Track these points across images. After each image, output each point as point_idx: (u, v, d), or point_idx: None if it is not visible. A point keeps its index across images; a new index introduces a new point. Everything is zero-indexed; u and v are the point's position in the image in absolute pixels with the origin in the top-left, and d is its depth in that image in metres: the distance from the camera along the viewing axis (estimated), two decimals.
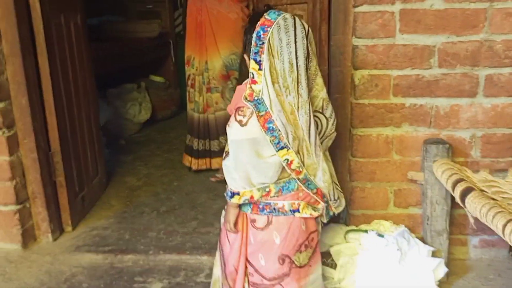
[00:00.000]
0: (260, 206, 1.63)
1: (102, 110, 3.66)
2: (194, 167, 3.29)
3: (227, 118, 3.14)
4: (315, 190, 1.64)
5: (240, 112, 1.54)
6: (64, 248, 2.37)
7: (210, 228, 2.53)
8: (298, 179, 1.60)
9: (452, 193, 1.82)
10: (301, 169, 1.58)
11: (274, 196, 1.61)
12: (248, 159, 1.54)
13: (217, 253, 1.82)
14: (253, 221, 1.66)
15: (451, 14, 1.97)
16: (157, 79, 4.81)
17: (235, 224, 1.67)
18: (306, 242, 1.68)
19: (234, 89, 3.04)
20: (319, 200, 1.65)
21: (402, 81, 2.05)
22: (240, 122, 1.53)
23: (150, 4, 5.15)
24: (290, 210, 1.62)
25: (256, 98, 1.52)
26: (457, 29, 1.98)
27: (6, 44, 2.15)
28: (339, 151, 2.16)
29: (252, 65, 1.52)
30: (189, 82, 3.22)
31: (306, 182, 1.61)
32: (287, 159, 1.55)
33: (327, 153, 1.78)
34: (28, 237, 2.36)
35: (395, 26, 2.00)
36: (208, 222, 2.59)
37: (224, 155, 1.64)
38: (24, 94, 2.20)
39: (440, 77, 2.03)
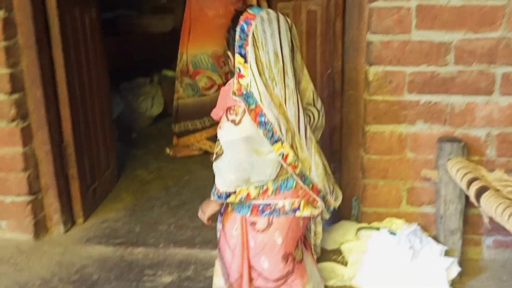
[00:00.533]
0: (260, 208, 1.59)
1: (115, 104, 3.66)
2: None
3: (186, 107, 3.32)
4: (310, 186, 1.59)
5: (231, 112, 1.50)
6: (75, 239, 2.39)
7: None
8: (295, 174, 1.55)
9: (467, 192, 1.80)
10: (297, 163, 1.54)
11: (271, 194, 1.58)
12: (245, 158, 1.51)
13: (217, 262, 1.77)
14: (253, 223, 1.61)
15: (468, 11, 1.94)
16: (170, 73, 4.80)
17: (209, 217, 1.68)
18: (300, 238, 1.70)
19: (191, 85, 3.38)
20: (314, 196, 1.61)
21: (417, 77, 2.02)
22: (233, 121, 1.49)
23: None
24: (291, 210, 1.59)
25: (244, 92, 1.48)
26: (474, 26, 1.95)
27: (21, 36, 2.16)
28: (351, 148, 2.15)
29: (238, 59, 1.49)
30: None
31: (302, 177, 1.57)
32: (282, 153, 1.51)
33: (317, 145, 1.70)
34: (40, 228, 2.38)
35: (411, 22, 1.97)
36: None
37: (214, 156, 1.59)
38: (38, 86, 2.21)
39: (456, 75, 2.00)
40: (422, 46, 1.99)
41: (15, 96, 2.18)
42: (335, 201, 1.69)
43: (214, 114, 1.64)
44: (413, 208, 2.17)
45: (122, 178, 3.14)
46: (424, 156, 2.10)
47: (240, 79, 1.49)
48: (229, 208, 1.66)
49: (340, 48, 2.12)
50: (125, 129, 3.97)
